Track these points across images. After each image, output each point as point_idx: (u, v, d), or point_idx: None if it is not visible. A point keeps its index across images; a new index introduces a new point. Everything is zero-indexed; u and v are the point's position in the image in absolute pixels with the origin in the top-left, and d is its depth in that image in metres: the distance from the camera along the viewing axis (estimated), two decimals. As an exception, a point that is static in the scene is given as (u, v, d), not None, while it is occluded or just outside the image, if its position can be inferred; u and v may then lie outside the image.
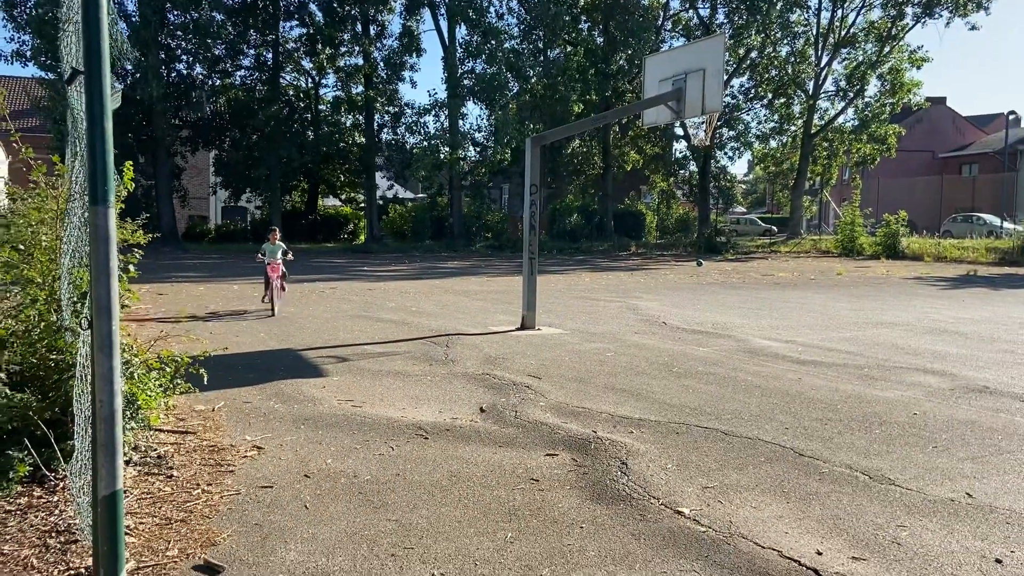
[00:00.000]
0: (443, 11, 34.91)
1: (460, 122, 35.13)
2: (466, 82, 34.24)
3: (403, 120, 35.76)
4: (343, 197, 40.76)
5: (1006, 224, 39.06)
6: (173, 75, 33.33)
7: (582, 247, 35.34)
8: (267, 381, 7.65)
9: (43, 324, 4.99)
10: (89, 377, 3.57)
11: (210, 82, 34.82)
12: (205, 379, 5.65)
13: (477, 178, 37.20)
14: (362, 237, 37.94)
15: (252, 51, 34.06)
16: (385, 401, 6.95)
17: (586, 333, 11.17)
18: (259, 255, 13.24)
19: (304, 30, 34.33)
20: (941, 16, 38.48)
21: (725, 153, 43.09)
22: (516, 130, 31.79)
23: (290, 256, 13.69)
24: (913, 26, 39.63)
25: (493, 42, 33.54)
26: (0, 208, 6.50)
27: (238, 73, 34.92)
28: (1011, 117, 49.31)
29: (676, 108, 12.02)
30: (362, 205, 38.62)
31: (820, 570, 3.67)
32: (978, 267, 28.15)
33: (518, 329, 11.31)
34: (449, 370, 8.40)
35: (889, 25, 39.45)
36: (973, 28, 38.43)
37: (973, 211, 45.52)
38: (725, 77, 37.82)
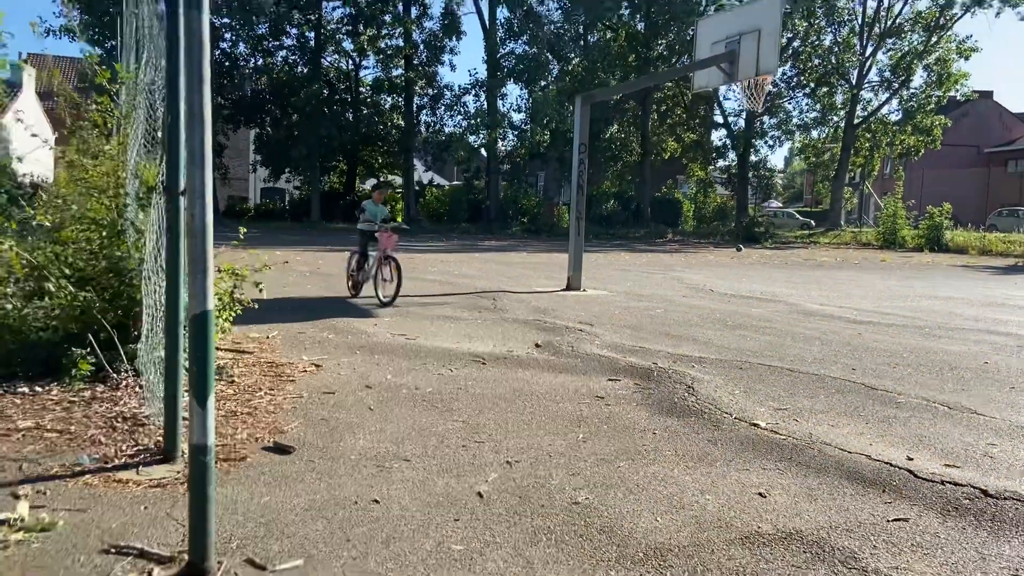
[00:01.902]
0: (485, -7, 34.75)
1: (499, 103, 34.98)
2: (506, 63, 34.05)
3: (442, 102, 35.72)
4: (381, 179, 40.91)
5: (1055, 219, 37.97)
6: (216, 52, 33.63)
7: (619, 233, 35.01)
8: (319, 319, 7.61)
9: (108, 226, 4.95)
10: (161, 265, 3.52)
11: (253, 60, 35.04)
12: (263, 293, 5.58)
13: (516, 160, 36.99)
14: (399, 218, 38.00)
15: (295, 31, 34.23)
16: (438, 337, 6.86)
17: (633, 295, 11.00)
18: (360, 217, 9.21)
19: (346, 10, 34.42)
20: (991, 5, 37.41)
21: (765, 142, 42.40)
22: (555, 111, 31.53)
23: (404, 226, 10.14)
24: (962, 15, 38.55)
25: (534, 24, 33.28)
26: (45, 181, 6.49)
27: (280, 52, 35.13)
28: (1062, 111, 47.85)
29: (729, 70, 11.74)
30: (399, 189, 38.66)
31: (915, 471, 3.50)
32: (1026, 259, 27.39)
33: (564, 290, 11.17)
34: (499, 316, 8.29)
35: (937, 14, 38.43)
36: (1025, 18, 37.31)
37: (1019, 206, 44.37)
38: (779, 38, 37.16)
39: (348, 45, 35.25)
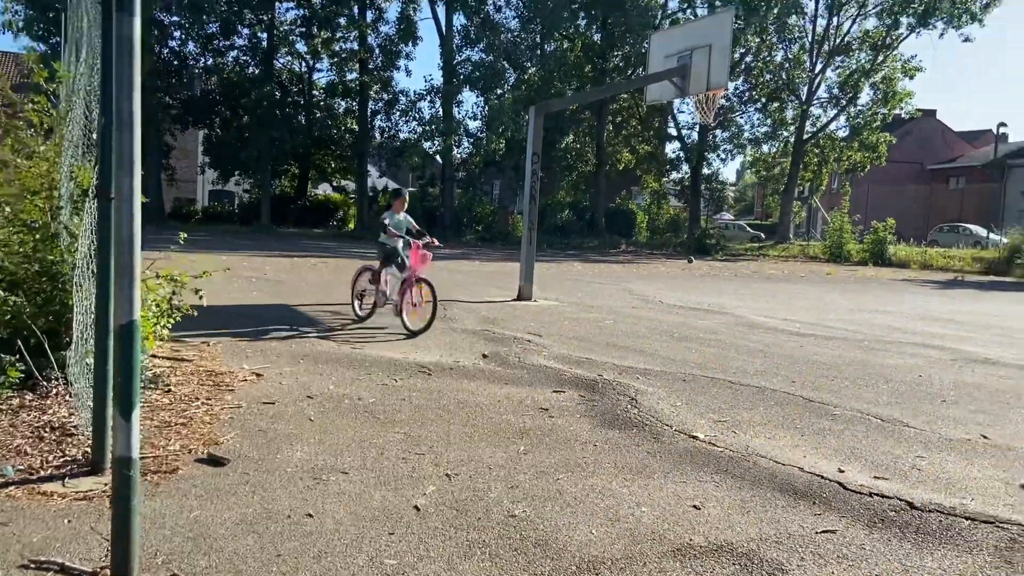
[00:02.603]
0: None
1: (454, 110, 34.94)
2: (462, 70, 34.07)
3: (397, 107, 35.54)
4: (334, 184, 40.32)
5: (992, 235, 39.36)
6: (165, 51, 32.97)
7: (572, 243, 35.22)
8: (263, 327, 7.48)
9: (41, 229, 4.81)
10: (92, 274, 3.42)
11: (202, 60, 34.42)
12: (203, 300, 5.47)
13: (470, 168, 36.98)
14: (352, 224, 37.65)
15: (246, 31, 33.72)
16: (386, 347, 6.81)
17: (583, 305, 11.07)
18: (385, 225, 7.89)
19: (300, 11, 34.06)
20: (935, 27, 38.71)
21: (718, 155, 43.11)
22: (511, 120, 31.64)
23: (435, 242, 8.24)
24: (907, 35, 39.79)
25: (490, 32, 33.39)
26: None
27: (231, 53, 34.57)
28: (1000, 131, 49.77)
29: (680, 84, 11.94)
30: (352, 194, 38.26)
31: (844, 483, 3.58)
32: (964, 274, 28.33)
33: (515, 300, 11.18)
34: (448, 326, 8.26)
35: (884, 34, 39.62)
36: (967, 40, 38.71)
37: (960, 222, 45.90)
38: (729, 54, 37.80)
39: (302, 47, 34.85)
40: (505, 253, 25.23)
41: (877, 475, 3.76)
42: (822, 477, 3.65)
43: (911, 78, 41.02)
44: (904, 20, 39.49)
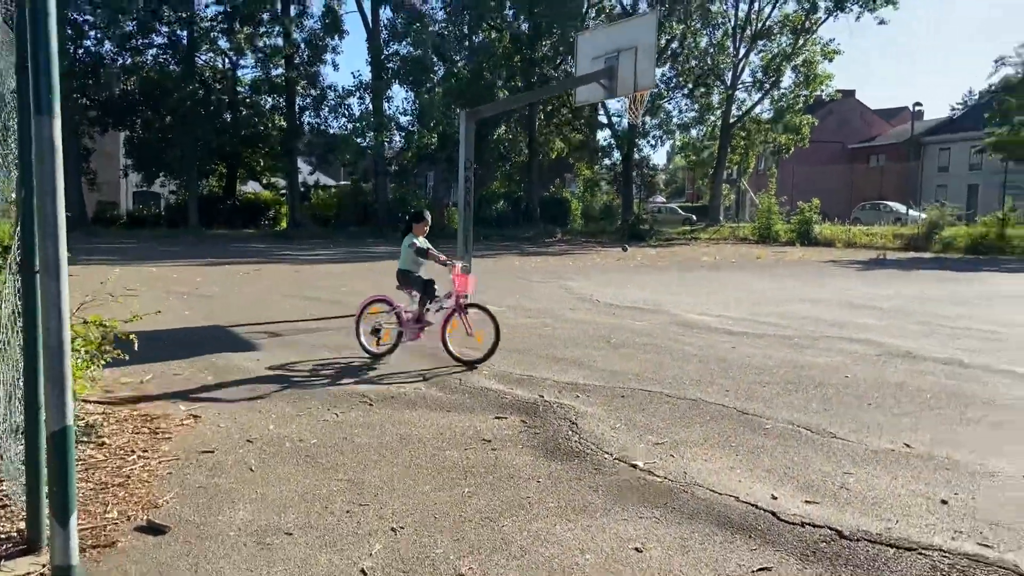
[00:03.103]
0: (367, -9, 34.28)
1: (385, 105, 34.60)
2: (391, 65, 33.73)
3: (326, 103, 34.99)
4: (264, 182, 39.48)
5: (911, 212, 40.96)
6: (80, 51, 31.70)
7: (508, 234, 35.34)
8: (197, 355, 7.32)
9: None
10: (17, 326, 3.31)
11: (120, 60, 33.22)
12: (135, 345, 5.34)
13: (403, 163, 36.72)
14: (283, 223, 36.98)
15: (165, 28, 32.67)
16: (323, 372, 6.75)
17: (522, 309, 11.14)
18: (413, 257, 7.17)
19: (221, 8, 33.17)
20: (852, 10, 39.92)
21: (648, 142, 43.75)
22: (442, 114, 31.51)
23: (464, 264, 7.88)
24: (826, 19, 40.96)
25: (418, 25, 33.11)
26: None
27: (150, 51, 33.46)
28: (916, 109, 51.74)
29: (608, 85, 12.04)
30: (283, 191, 37.54)
31: (778, 512, 3.72)
32: (886, 252, 29.46)
33: (453, 306, 11.17)
34: (387, 343, 8.22)
35: (803, 18, 40.70)
36: (882, 22, 40.05)
37: (880, 199, 47.65)
38: (655, 55, 38.26)
39: (224, 44, 33.96)
40: (442, 248, 25.08)
41: (808, 499, 3.93)
42: (756, 507, 3.78)
43: (830, 61, 42.30)
44: (822, 4, 40.60)
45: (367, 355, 7.31)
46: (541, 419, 5.35)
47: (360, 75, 36.61)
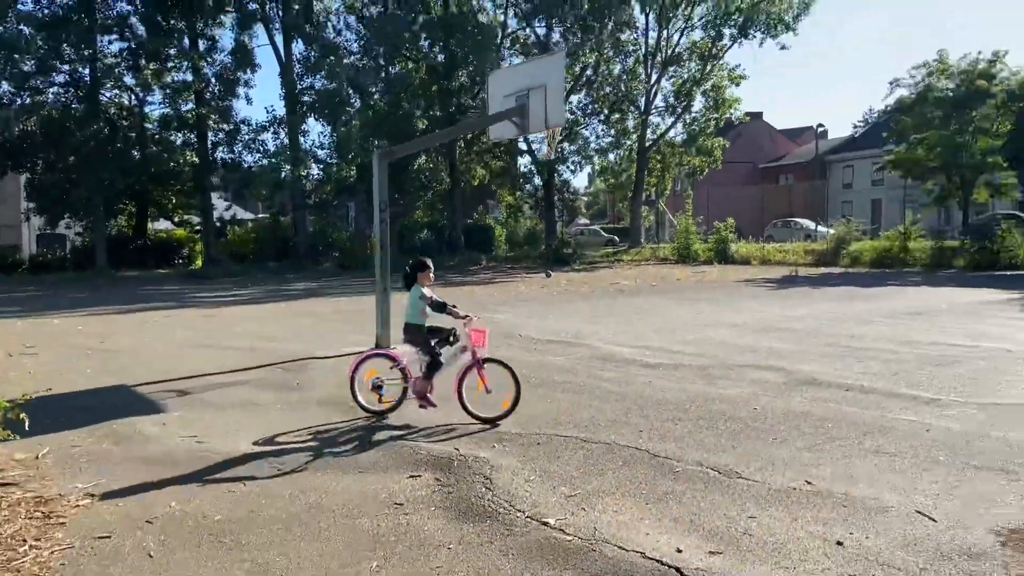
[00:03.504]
0: (278, 26, 33.89)
1: (301, 139, 34.20)
2: (306, 98, 33.37)
3: (239, 137, 34.31)
4: (176, 220, 38.24)
5: (820, 228, 42.67)
6: (-26, 92, 30.36)
7: (433, 263, 35.27)
8: (98, 422, 7.01)
9: None
10: None
11: (19, 100, 31.84)
12: (26, 424, 5.09)
13: (322, 196, 36.24)
14: (199, 261, 35.95)
15: (66, 67, 31.51)
16: (234, 434, 6.55)
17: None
18: (424, 309, 6.82)
19: (125, 44, 32.24)
20: (755, 37, 41.65)
21: (567, 167, 44.42)
22: (360, 146, 31.30)
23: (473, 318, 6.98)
24: (731, 46, 42.62)
25: (332, 58, 32.91)
26: None
27: (51, 90, 32.18)
28: (820, 129, 54.14)
29: (520, 123, 12.20)
30: (197, 228, 36.50)
31: (682, 567, 3.78)
32: (798, 268, 30.60)
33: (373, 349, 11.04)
34: (301, 396, 8.06)
35: (710, 45, 42.23)
36: (783, 48, 42.01)
37: (791, 216, 49.51)
38: (563, 93, 38.87)
39: (130, 80, 32.98)
40: (365, 282, 24.86)
41: (713, 549, 4.00)
42: (661, 563, 3.83)
43: (737, 85, 43.97)
44: (727, 31, 42.25)
45: (368, 414, 6.94)
46: (455, 476, 5.31)
47: (273, 109, 36.07)
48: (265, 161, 33.67)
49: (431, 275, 7.00)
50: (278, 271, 32.12)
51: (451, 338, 6.90)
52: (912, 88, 33.85)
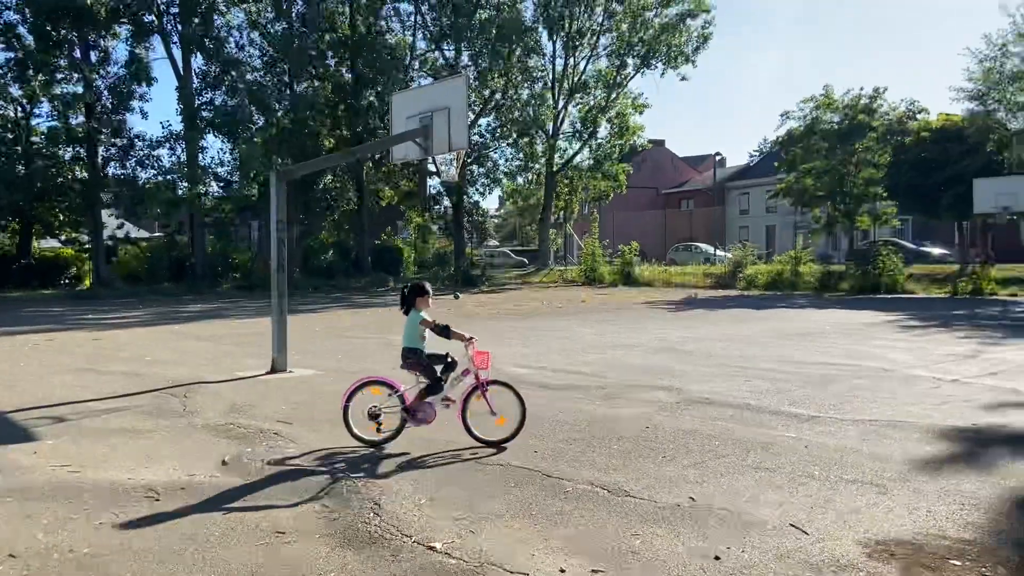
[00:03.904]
0: (176, 39, 32.88)
1: (200, 156, 33.10)
2: (205, 113, 32.39)
3: (133, 153, 32.93)
4: (63, 238, 36.17)
5: (718, 252, 44.30)
6: None
7: (339, 284, 34.67)
8: (-41, 453, 6.53)
9: None
10: None
11: None
12: None
13: (221, 215, 35.10)
14: (87, 282, 34.18)
15: (-56, 78, 29.65)
16: (110, 463, 6.22)
17: (342, 372, 10.87)
18: (429, 328, 6.70)
19: (12, 54, 30.55)
20: (656, 67, 43.18)
21: (476, 189, 44.68)
22: (263, 164, 30.58)
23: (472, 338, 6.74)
24: (634, 75, 44.07)
25: (234, 73, 32.13)
26: None
27: (-71, 101, 30.20)
28: (718, 158, 56.39)
29: (424, 145, 12.18)
30: (87, 247, 34.67)
31: (564, 588, 3.80)
32: (698, 290, 31.65)
33: (268, 373, 10.74)
34: (188, 422, 7.74)
35: (614, 74, 43.49)
36: (683, 79, 43.57)
37: (692, 241, 51.25)
38: (472, 116, 39.11)
39: (16, 91, 31.24)
40: (265, 303, 24.09)
41: (596, 568, 4.04)
42: (542, 584, 3.85)
43: (640, 113, 45.38)
44: (630, 61, 43.63)
45: (362, 444, 6.60)
46: (343, 501, 5.20)
47: (170, 124, 34.67)
48: (160, 178, 32.41)
49: (429, 300, 6.85)
50: (173, 293, 30.87)
51: (449, 361, 6.72)
52: (801, 120, 35.68)
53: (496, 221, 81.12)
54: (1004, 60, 26.68)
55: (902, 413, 7.82)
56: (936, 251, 41.32)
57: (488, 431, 6.58)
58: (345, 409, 6.66)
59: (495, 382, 6.72)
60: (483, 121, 42.35)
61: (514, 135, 43.09)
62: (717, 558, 4.16)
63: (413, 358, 6.72)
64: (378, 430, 6.60)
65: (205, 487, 5.57)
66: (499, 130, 43.04)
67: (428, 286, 6.94)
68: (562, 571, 4.00)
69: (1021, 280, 28.26)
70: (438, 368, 6.69)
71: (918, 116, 35.97)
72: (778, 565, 4.06)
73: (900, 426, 7.25)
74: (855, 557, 4.19)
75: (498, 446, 6.51)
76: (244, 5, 33.99)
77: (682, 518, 4.80)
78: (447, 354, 6.76)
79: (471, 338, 6.60)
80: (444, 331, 6.58)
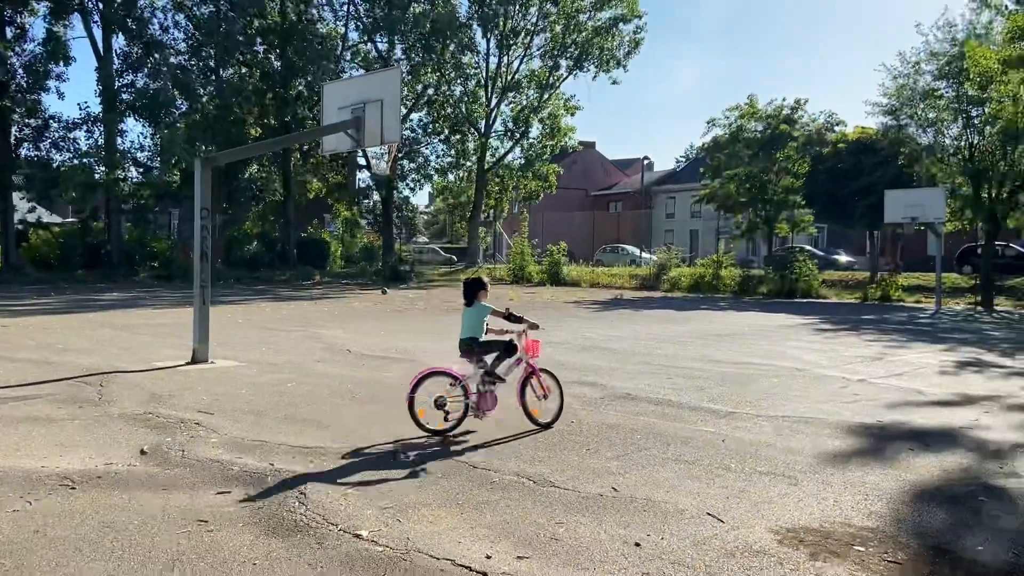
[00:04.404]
0: (97, 18, 31.57)
1: (119, 140, 31.88)
2: (125, 96, 31.21)
3: (48, 134, 31.47)
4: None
5: (644, 254, 45.20)
6: None
7: (263, 276, 33.94)
8: None
9: None
10: None
11: None
12: None
13: (140, 201, 33.86)
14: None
15: None
16: (21, 451, 5.99)
17: (265, 364, 10.71)
18: (512, 314, 7.15)
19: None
20: (589, 70, 43.75)
21: (407, 184, 44.39)
22: (185, 151, 29.67)
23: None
24: (567, 77, 44.56)
25: (157, 55, 31.09)
26: None
27: None
28: (646, 162, 57.48)
29: (355, 136, 12.10)
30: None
31: (489, 572, 3.88)
32: (624, 291, 32.25)
33: (188, 364, 10.47)
34: (104, 411, 7.50)
35: (547, 75, 43.88)
36: (615, 82, 44.28)
37: (619, 243, 52.12)
38: (405, 111, 38.88)
39: (-80, 64, 29.53)
40: (184, 294, 23.49)
41: (521, 554, 4.13)
42: (469, 569, 3.91)
43: (572, 115, 45.88)
44: (563, 63, 44.08)
45: (428, 434, 6.66)
46: (268, 491, 5.14)
47: (88, 106, 33.12)
48: (76, 161, 31.09)
49: (488, 292, 7.22)
50: (87, 280, 29.68)
51: (510, 345, 7.08)
52: (726, 128, 36.74)
53: (426, 217, 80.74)
54: (917, 78, 28.02)
55: (814, 410, 8.19)
56: (844, 259, 43.21)
57: (541, 414, 7.13)
58: (411, 400, 6.69)
59: (542, 370, 7.22)
60: (415, 116, 42.12)
61: (446, 131, 43.03)
62: (638, 544, 4.30)
63: (474, 348, 7.03)
64: (445, 419, 6.75)
65: (123, 476, 5.43)
66: (431, 126, 42.90)
67: (486, 279, 7.37)
68: (488, 557, 4.07)
69: (926, 288, 29.81)
70: (494, 354, 7.07)
71: (836, 128, 37.47)
72: (695, 551, 4.23)
73: (811, 422, 7.60)
74: (767, 544, 4.40)
75: (546, 427, 7.05)
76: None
77: (605, 507, 4.94)
78: (510, 340, 7.10)
79: (535, 325, 7.14)
80: (515, 318, 7.10)
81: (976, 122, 26.64)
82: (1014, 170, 25.66)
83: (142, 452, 6.06)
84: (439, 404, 6.70)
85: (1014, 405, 8.79)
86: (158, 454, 6.01)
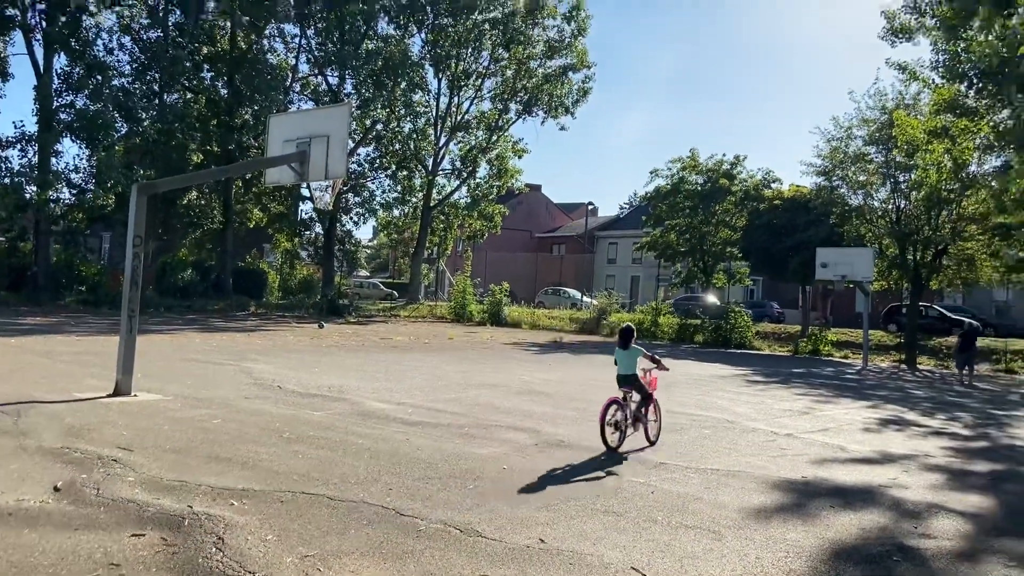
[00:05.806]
0: (39, 36, 30.79)
1: (53, 160, 30.94)
2: (63, 116, 30.39)
3: (-23, 152, 30.38)
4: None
5: (586, 298, 45.64)
6: None
7: (195, 305, 33.06)
8: None
9: None
10: None
11: None
12: None
13: (72, 223, 32.74)
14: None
15: None
16: (-80, 487, 5.67)
17: (191, 399, 10.40)
18: (650, 358, 9.05)
19: None
20: (538, 115, 44.47)
21: (351, 218, 44.03)
22: (122, 175, 28.92)
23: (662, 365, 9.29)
24: (516, 120, 45.17)
25: (99, 76, 30.41)
26: None
27: None
28: (590, 207, 58.42)
29: (300, 170, 12.02)
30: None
31: (409, 627, 3.81)
32: (564, 335, 32.43)
33: (111, 396, 10.09)
34: (18, 444, 7.16)
35: (497, 116, 44.42)
36: (563, 128, 45.06)
37: (561, 285, 52.55)
38: (352, 145, 38.79)
39: None
40: (112, 321, 22.73)
41: (443, 608, 4.08)
42: (391, 623, 3.84)
43: (520, 157, 46.41)
44: (513, 106, 44.68)
45: (609, 451, 8.31)
46: (185, 535, 4.97)
47: (23, 125, 32.07)
48: (7, 180, 30.00)
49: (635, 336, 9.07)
50: (9, 302, 28.49)
51: (640, 382, 8.89)
52: (668, 179, 37.69)
53: (368, 252, 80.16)
54: (849, 142, 29.31)
55: (741, 463, 8.34)
56: (775, 311, 44.38)
57: (653, 434, 8.99)
58: (603, 422, 8.36)
59: (651, 397, 8.93)
60: (362, 150, 42.02)
61: (393, 167, 42.99)
62: (559, 599, 4.29)
63: (631, 382, 8.81)
64: (622, 439, 8.46)
65: (35, 513, 5.18)
66: (378, 160, 42.82)
67: (633, 327, 9.16)
68: (409, 610, 4.01)
69: (854, 344, 30.80)
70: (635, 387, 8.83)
71: (772, 185, 38.79)
72: (617, 606, 4.23)
73: (738, 476, 7.73)
74: (688, 599, 4.43)
75: (652, 444, 8.86)
76: (117, 8, 32.35)
77: (530, 559, 4.92)
78: (636, 377, 8.85)
79: (667, 368, 9.27)
80: (656, 361, 9.01)
81: (903, 187, 27.94)
82: (937, 234, 26.91)
83: (55, 489, 5.80)
84: (618, 425, 8.44)
85: (932, 465, 9.11)
86: (72, 492, 5.76)
